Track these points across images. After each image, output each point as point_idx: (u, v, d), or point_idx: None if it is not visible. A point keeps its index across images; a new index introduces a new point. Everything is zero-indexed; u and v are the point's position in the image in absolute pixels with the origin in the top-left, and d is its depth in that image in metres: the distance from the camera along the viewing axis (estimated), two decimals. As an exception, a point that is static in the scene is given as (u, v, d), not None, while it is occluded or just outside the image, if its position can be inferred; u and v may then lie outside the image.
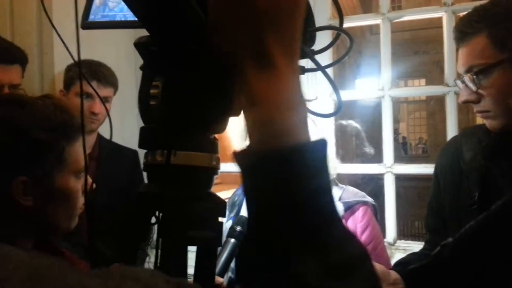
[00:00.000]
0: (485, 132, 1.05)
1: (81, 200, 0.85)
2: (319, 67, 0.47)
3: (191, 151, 0.44)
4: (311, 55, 0.47)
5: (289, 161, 0.32)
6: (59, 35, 0.47)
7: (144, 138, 0.45)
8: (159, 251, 0.43)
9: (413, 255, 1.19)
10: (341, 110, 0.48)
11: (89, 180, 0.89)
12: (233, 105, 0.47)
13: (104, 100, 1.64)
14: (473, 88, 0.95)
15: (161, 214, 0.44)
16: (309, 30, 0.46)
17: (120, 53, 2.01)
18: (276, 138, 0.33)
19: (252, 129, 0.35)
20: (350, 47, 0.50)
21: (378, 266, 1.00)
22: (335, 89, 0.45)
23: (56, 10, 1.66)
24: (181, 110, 0.43)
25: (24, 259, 0.28)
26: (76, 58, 0.49)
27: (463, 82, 0.98)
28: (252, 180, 0.34)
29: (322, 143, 0.34)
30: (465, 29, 0.97)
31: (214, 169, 0.46)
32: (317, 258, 0.31)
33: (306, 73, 1.74)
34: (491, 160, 1.02)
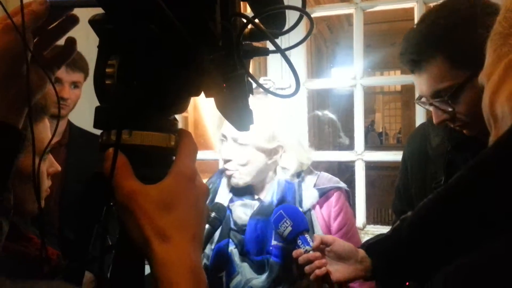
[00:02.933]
0: None
1: (46, 182, 0.85)
2: (278, 50, 0.47)
3: (147, 130, 0.44)
4: (270, 37, 0.47)
5: None
6: (5, 10, 0.45)
7: (99, 118, 0.45)
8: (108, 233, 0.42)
9: (380, 235, 1.23)
10: (298, 91, 0.48)
11: (57, 164, 0.88)
12: (192, 86, 0.47)
13: (74, 85, 1.60)
14: (449, 109, 0.96)
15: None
16: (268, 9, 0.46)
17: (90, 38, 1.95)
18: None
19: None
20: (311, 30, 0.50)
21: (347, 245, 1.02)
22: (293, 71, 0.46)
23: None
24: (137, 89, 0.42)
25: None
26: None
27: (431, 104, 0.99)
28: None
29: None
30: (417, 58, 0.96)
31: (172, 150, 0.46)
32: None
33: (281, 62, 1.73)
34: (456, 150, 1.05)
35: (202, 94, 0.49)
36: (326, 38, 7.14)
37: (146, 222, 0.42)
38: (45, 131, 0.83)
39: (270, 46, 0.48)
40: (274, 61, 1.91)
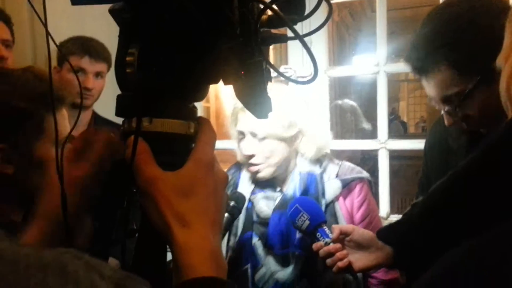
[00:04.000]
0: None
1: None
2: (297, 36, 0.46)
3: (167, 118, 0.44)
4: (288, 23, 0.46)
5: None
6: (32, 7, 0.46)
7: (121, 106, 0.46)
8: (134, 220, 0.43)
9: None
10: (316, 77, 0.48)
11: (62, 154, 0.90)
12: (210, 73, 0.47)
13: (97, 75, 1.63)
14: (459, 114, 0.95)
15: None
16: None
17: (111, 29, 1.98)
18: (186, 273, 0.41)
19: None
20: (329, 14, 0.49)
21: (366, 232, 1.02)
22: (311, 56, 0.45)
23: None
24: (157, 77, 0.43)
25: None
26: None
27: (443, 109, 0.98)
28: None
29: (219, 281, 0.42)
30: (422, 65, 0.94)
31: (192, 137, 0.46)
32: None
33: (302, 50, 1.70)
34: (478, 140, 1.03)
35: (221, 83, 0.49)
36: (348, 25, 7.01)
37: (167, 208, 0.42)
38: (63, 121, 0.85)
39: (290, 34, 0.48)
40: (294, 49, 1.89)
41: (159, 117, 0.44)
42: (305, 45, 0.44)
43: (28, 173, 0.80)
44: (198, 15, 0.42)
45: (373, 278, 1.27)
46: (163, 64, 0.43)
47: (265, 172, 1.24)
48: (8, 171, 0.77)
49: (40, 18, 0.45)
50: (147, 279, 0.31)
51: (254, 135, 1.21)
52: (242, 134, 1.24)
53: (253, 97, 0.48)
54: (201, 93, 0.48)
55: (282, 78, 1.33)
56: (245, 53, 0.46)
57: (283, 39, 0.51)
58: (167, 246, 0.45)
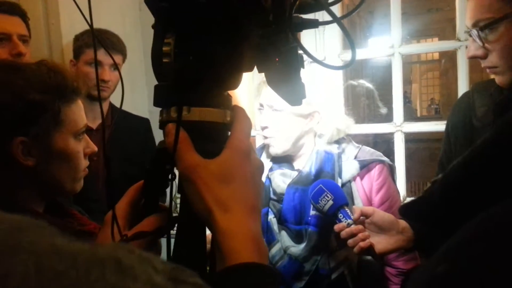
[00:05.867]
0: (497, 88, 1.03)
1: (84, 162, 0.88)
2: (334, 19, 0.46)
3: (204, 107, 0.45)
4: (326, 6, 0.46)
5: (230, 278, 0.41)
6: (75, 2, 0.46)
7: (159, 96, 0.46)
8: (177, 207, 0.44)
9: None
10: (354, 61, 0.48)
11: (93, 145, 0.91)
12: (245, 61, 0.47)
13: (114, 67, 1.64)
14: (480, 43, 0.93)
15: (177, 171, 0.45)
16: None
17: (126, 22, 1.99)
18: (229, 258, 0.42)
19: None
20: (362, -2, 0.49)
21: (387, 215, 1.02)
22: (349, 38, 0.45)
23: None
24: (193, 66, 0.43)
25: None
26: (87, 23, 0.49)
27: (470, 36, 0.96)
28: None
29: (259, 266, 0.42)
30: None
31: (228, 125, 0.47)
32: None
33: (315, 36, 1.70)
34: (503, 117, 1.01)
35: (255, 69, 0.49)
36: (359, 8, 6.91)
37: (208, 193, 0.43)
38: (79, 112, 0.87)
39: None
40: (308, 34, 1.87)
41: (197, 106, 0.44)
42: (343, 27, 0.44)
43: (48, 165, 0.82)
44: (232, 2, 0.42)
45: (392, 268, 1.26)
46: (199, 53, 0.43)
47: (277, 147, 1.25)
48: (29, 163, 0.79)
49: (83, 15, 0.45)
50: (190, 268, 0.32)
51: (271, 107, 1.23)
52: (261, 106, 1.27)
53: (288, 84, 0.48)
54: (235, 81, 0.49)
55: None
56: (279, 40, 0.46)
57: (316, 23, 0.51)
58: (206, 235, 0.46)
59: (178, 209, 0.48)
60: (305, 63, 0.53)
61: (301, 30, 0.50)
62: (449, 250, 0.32)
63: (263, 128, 1.25)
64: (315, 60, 0.48)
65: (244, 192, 0.45)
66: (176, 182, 0.48)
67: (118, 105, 1.80)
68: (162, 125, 0.46)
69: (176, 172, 0.48)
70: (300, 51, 0.50)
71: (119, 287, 0.25)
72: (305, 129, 1.26)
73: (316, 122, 1.26)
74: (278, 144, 1.24)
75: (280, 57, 0.46)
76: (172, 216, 0.48)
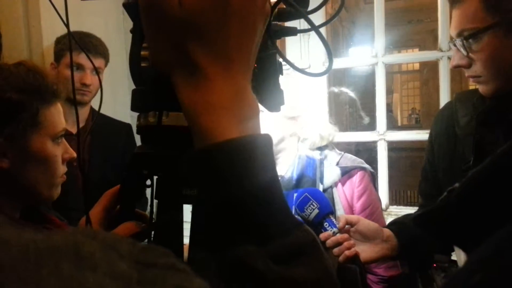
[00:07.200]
0: (479, 97, 1.05)
1: (61, 168, 0.86)
2: (312, 27, 0.46)
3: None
4: (304, 14, 0.46)
5: (214, 158, 0.34)
6: (52, 4, 0.46)
7: (136, 101, 0.46)
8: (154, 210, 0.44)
9: (406, 215, 1.22)
10: (331, 68, 0.48)
11: (71, 150, 0.89)
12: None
13: (95, 71, 1.62)
14: (464, 52, 0.94)
15: (155, 176, 0.44)
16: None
17: (108, 25, 1.97)
18: (201, 140, 0.35)
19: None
20: (342, 4, 0.50)
21: (371, 224, 1.03)
22: (327, 46, 0.45)
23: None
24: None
25: None
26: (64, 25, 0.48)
27: (454, 45, 0.98)
28: (192, 177, 0.37)
29: (255, 138, 0.36)
30: None
31: None
32: (258, 246, 0.33)
33: (299, 43, 1.71)
34: (485, 127, 1.02)
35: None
36: (342, 18, 7.01)
37: (167, 43, 0.36)
38: (58, 115, 0.85)
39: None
40: (292, 42, 1.89)
41: (175, 111, 0.44)
42: (320, 35, 0.44)
43: (24, 167, 0.80)
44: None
45: (373, 275, 1.27)
46: None
47: None
48: (3, 165, 0.77)
49: (60, 17, 0.45)
50: None
51: None
52: None
53: (266, 90, 0.48)
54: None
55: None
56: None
57: (295, 31, 0.51)
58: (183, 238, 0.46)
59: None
60: (290, 70, 0.53)
61: (280, 38, 0.50)
62: (484, 259, 0.31)
63: None
64: (292, 66, 0.49)
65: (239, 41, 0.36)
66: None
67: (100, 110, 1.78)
68: (140, 130, 0.45)
69: (154, 177, 0.47)
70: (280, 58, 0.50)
71: (76, 280, 0.22)
72: (288, 132, 1.26)
73: (300, 127, 1.27)
74: None
75: (258, 63, 0.46)
76: (152, 221, 0.47)
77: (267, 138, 0.37)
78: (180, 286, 0.24)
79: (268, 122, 1.23)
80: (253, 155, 0.35)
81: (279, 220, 0.35)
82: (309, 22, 0.44)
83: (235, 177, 0.34)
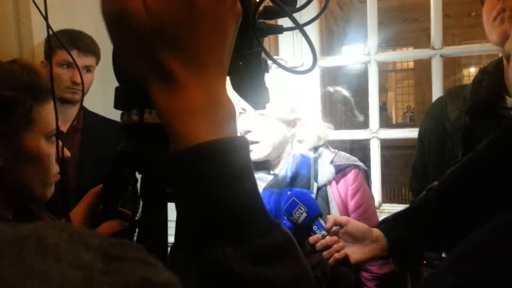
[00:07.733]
0: (471, 91, 1.05)
1: (55, 167, 0.85)
2: (297, 25, 0.46)
3: None
4: (289, 13, 0.46)
5: (190, 160, 0.34)
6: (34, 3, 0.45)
7: (119, 98, 0.45)
8: (139, 208, 0.43)
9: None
10: (315, 66, 0.48)
11: (66, 150, 0.88)
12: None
13: (86, 70, 1.61)
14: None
15: (139, 174, 0.44)
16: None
17: (100, 23, 1.95)
18: (177, 145, 0.35)
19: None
20: (326, 3, 0.49)
21: (360, 225, 1.03)
22: (311, 45, 0.45)
23: (32, -23, 1.60)
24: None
25: None
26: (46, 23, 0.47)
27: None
28: (169, 179, 0.37)
29: (229, 140, 0.36)
30: None
31: None
32: (236, 247, 0.33)
33: (292, 41, 1.72)
34: (476, 119, 1.02)
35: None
36: (336, 16, 7.03)
37: (139, 51, 0.36)
38: (52, 113, 0.84)
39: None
40: (285, 40, 1.89)
41: None
42: (305, 34, 0.44)
43: (17, 165, 0.79)
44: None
45: (366, 272, 1.27)
46: None
47: (261, 152, 1.23)
48: None
49: (40, 12, 0.44)
50: None
51: (255, 111, 1.22)
52: (243, 110, 1.25)
53: (252, 88, 0.48)
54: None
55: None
56: (243, 44, 0.46)
57: (280, 30, 0.51)
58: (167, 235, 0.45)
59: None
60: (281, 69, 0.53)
61: (265, 36, 0.50)
62: (460, 259, 0.31)
63: (246, 133, 1.23)
64: (277, 63, 0.48)
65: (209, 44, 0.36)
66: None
67: (92, 109, 1.77)
68: (124, 128, 0.45)
69: (138, 176, 0.47)
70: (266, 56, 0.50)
71: (37, 269, 0.22)
72: (287, 136, 1.26)
73: (298, 129, 1.28)
74: (261, 148, 1.23)
75: (243, 61, 0.46)
76: (135, 220, 0.47)
77: (243, 140, 0.37)
78: (145, 277, 0.24)
79: (268, 128, 1.23)
80: (229, 156, 0.35)
81: (256, 220, 0.35)
82: (294, 20, 0.44)
83: (211, 179, 0.34)
